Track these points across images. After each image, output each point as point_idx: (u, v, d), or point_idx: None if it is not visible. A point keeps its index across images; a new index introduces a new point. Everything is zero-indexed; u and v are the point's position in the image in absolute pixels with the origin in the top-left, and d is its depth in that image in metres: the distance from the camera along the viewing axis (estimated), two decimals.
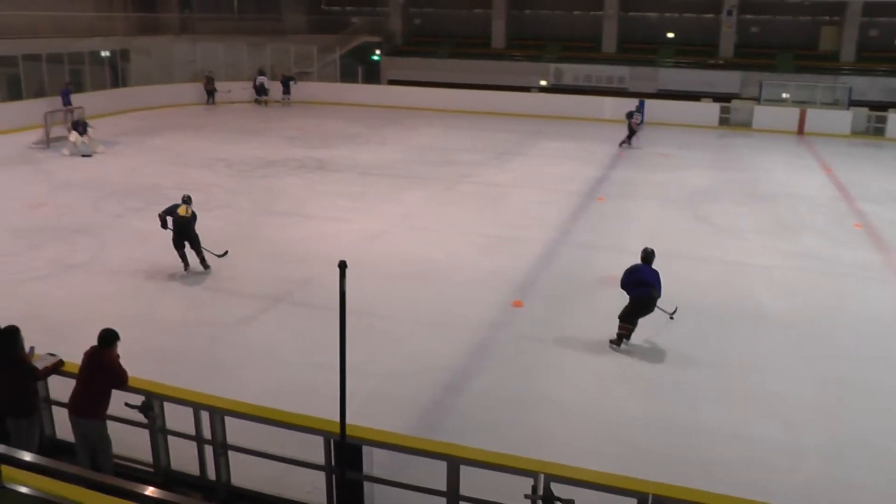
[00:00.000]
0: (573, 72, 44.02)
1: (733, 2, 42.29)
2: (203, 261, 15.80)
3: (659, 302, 12.62)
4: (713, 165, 27.66)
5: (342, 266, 5.84)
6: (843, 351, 12.79)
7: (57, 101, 30.95)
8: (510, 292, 15.01)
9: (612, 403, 10.91)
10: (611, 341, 12.75)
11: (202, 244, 15.73)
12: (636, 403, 10.90)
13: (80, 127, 27.00)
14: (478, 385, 11.40)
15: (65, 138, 27.35)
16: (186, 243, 15.56)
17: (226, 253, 16.22)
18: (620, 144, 30.95)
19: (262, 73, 41.52)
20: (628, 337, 12.67)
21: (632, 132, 31.32)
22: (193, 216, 15.48)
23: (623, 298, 12.65)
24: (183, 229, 15.43)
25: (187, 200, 15.61)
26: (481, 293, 14.97)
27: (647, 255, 12.80)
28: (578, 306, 14.37)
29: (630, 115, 31.47)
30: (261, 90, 41.33)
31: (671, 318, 13.31)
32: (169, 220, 15.35)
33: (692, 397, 11.12)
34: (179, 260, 15.70)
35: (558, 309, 14.31)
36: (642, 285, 12.45)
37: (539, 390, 11.24)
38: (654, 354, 12.50)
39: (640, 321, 12.59)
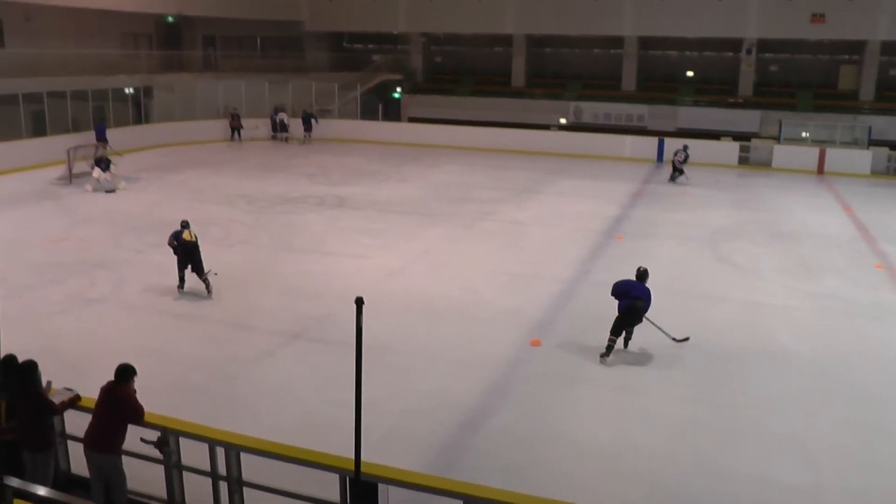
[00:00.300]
0: (593, 110, 44.15)
1: (752, 40, 42.35)
2: (208, 285, 16.39)
3: (671, 331, 13.34)
4: (733, 205, 27.55)
5: (359, 302, 5.83)
6: (864, 392, 12.65)
7: (81, 137, 31.18)
8: (529, 330, 14.95)
9: (633, 443, 10.81)
10: (601, 355, 13.45)
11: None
12: (657, 443, 10.79)
13: (104, 163, 27.22)
14: (496, 423, 11.33)
15: (88, 174, 27.57)
16: (190, 266, 16.26)
17: (211, 272, 16.56)
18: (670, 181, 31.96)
19: (282, 109, 41.81)
20: (612, 349, 13.48)
21: (674, 169, 31.85)
22: (197, 239, 16.28)
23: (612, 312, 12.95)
24: (189, 253, 16.19)
25: (186, 225, 16.42)
26: (500, 331, 14.92)
27: (641, 274, 13.85)
28: (597, 346, 14.26)
29: (675, 153, 32.10)
30: (281, 127, 41.60)
31: (674, 340, 13.87)
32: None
33: (714, 437, 11.01)
34: (178, 281, 16.51)
35: (577, 348, 14.21)
36: (628, 297, 13.40)
37: (558, 429, 11.17)
38: (675, 394, 12.39)
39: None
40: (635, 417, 11.61)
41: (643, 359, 13.74)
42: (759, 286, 18.18)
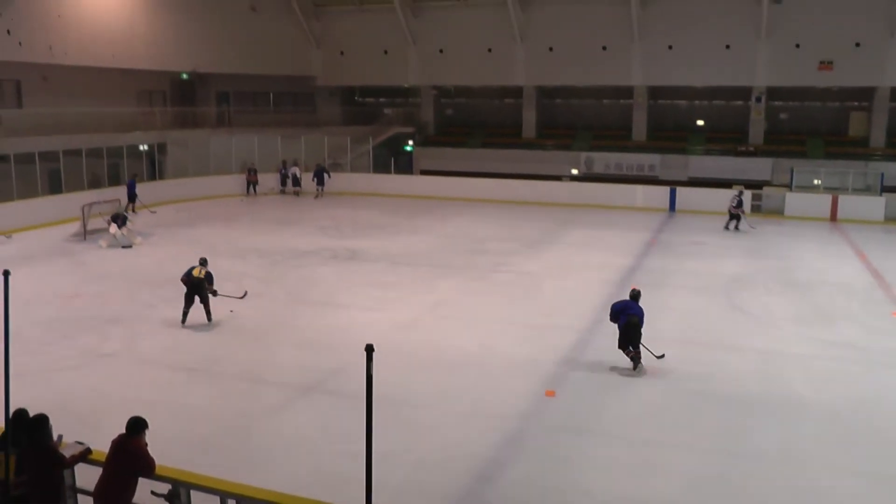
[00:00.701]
0: (604, 160, 44.35)
1: (761, 88, 42.55)
2: (208, 314, 18.23)
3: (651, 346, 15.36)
4: (747, 253, 27.47)
5: (369, 350, 5.82)
6: (883, 442, 12.49)
7: (96, 195, 31.53)
8: (543, 381, 14.87)
9: (649, 497, 10.68)
10: (632, 363, 15.30)
11: (222, 293, 18.64)
12: (674, 496, 10.66)
13: (119, 220, 27.46)
14: (511, 475, 11.23)
15: (103, 230, 27.80)
16: (197, 298, 17.96)
17: (245, 294, 19.57)
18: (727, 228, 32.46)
19: (295, 163, 42.11)
20: (639, 358, 15.27)
21: (731, 216, 32.29)
22: (207, 276, 18.01)
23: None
24: (194, 287, 17.94)
25: (203, 262, 18.37)
26: (514, 382, 14.85)
27: (635, 295, 15.87)
28: (612, 397, 14.19)
29: (731, 200, 32.51)
30: (294, 181, 41.89)
31: (656, 357, 15.45)
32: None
33: (732, 490, 10.88)
34: (181, 315, 18.00)
35: (592, 399, 14.13)
36: (625, 314, 15.29)
37: (574, 481, 11.06)
38: (691, 445, 12.26)
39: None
40: (652, 469, 11.48)
41: (659, 409, 13.65)
42: (774, 335, 18.08)
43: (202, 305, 17.97)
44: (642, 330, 15.29)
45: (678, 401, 13.94)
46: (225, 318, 18.60)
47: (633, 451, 12.11)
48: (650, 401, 13.90)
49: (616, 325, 15.50)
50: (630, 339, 15.24)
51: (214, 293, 18.20)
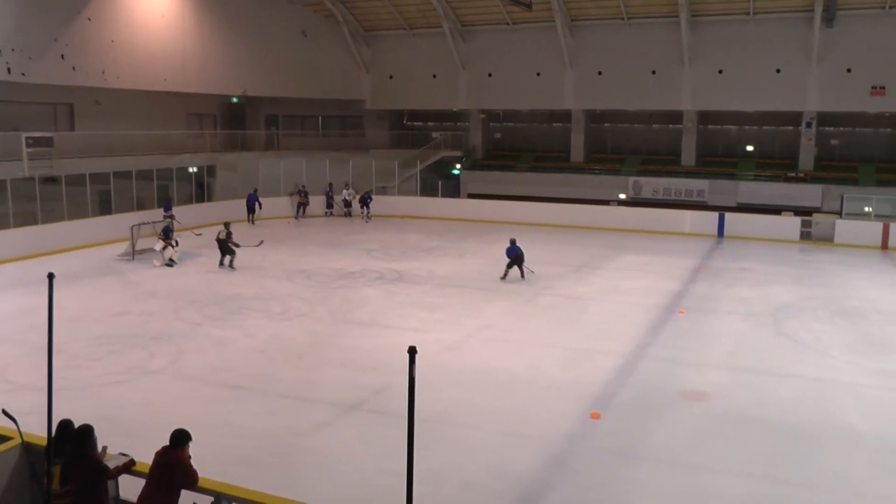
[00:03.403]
0: (652, 185, 44.16)
1: (812, 114, 42.15)
2: (231, 263, 27.28)
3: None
4: (796, 280, 27.12)
5: (411, 352, 5.75)
6: None
7: (144, 215, 32.19)
8: (588, 404, 14.77)
9: None
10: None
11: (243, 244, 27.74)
12: None
13: (170, 235, 28.36)
14: (555, 497, 11.16)
15: (150, 249, 28.49)
16: (227, 256, 27.21)
17: (261, 243, 29.83)
18: None
19: (346, 186, 42.52)
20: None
21: None
22: (228, 235, 27.26)
23: None
24: (220, 244, 27.29)
25: (226, 225, 27.81)
26: (559, 404, 14.78)
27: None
28: (658, 421, 14.05)
29: None
30: (346, 203, 42.37)
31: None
32: None
33: None
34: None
35: (637, 423, 14.01)
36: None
37: None
38: (740, 470, 12.09)
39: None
40: (699, 495, 11.35)
41: (706, 434, 13.50)
42: (824, 363, 17.79)
43: (229, 257, 27.10)
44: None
45: (726, 426, 13.78)
46: (271, 337, 18.71)
47: (680, 475, 11.97)
48: (697, 426, 13.74)
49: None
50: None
51: (237, 245, 27.14)
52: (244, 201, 39.63)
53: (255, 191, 39.57)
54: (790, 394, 15.60)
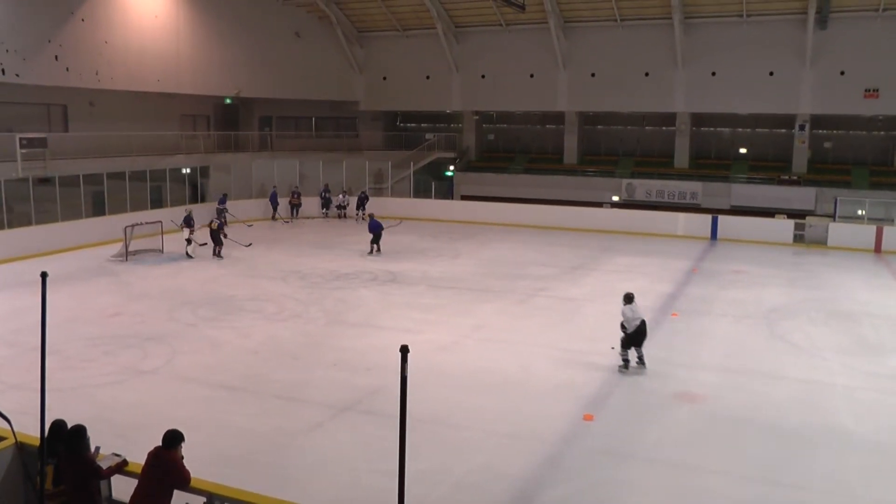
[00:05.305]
0: (645, 187, 44.22)
1: (805, 117, 42.24)
2: (219, 253, 29.33)
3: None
4: (789, 283, 27.15)
5: (403, 351, 5.77)
6: None
7: (137, 216, 32.21)
8: (582, 405, 14.79)
9: None
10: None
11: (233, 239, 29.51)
12: None
13: (193, 223, 30.19)
14: (549, 497, 11.16)
15: (146, 250, 29.33)
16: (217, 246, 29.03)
17: (249, 244, 30.32)
18: None
19: (343, 192, 42.71)
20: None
21: None
22: (219, 226, 29.44)
23: None
24: (212, 233, 29.25)
25: (218, 214, 30.70)
26: (553, 405, 14.80)
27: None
28: (651, 422, 14.07)
29: None
30: (340, 206, 42.37)
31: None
32: None
33: None
34: None
35: (631, 424, 14.03)
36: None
37: None
38: (733, 472, 12.11)
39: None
40: (691, 495, 11.38)
41: (699, 435, 13.52)
42: (817, 365, 17.82)
43: (217, 248, 29.12)
44: None
45: (719, 428, 13.81)
46: (265, 338, 18.73)
47: (673, 476, 11.99)
48: (690, 427, 13.77)
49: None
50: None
51: (225, 235, 29.47)
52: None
53: (275, 187, 41.02)
54: (783, 395, 15.62)
